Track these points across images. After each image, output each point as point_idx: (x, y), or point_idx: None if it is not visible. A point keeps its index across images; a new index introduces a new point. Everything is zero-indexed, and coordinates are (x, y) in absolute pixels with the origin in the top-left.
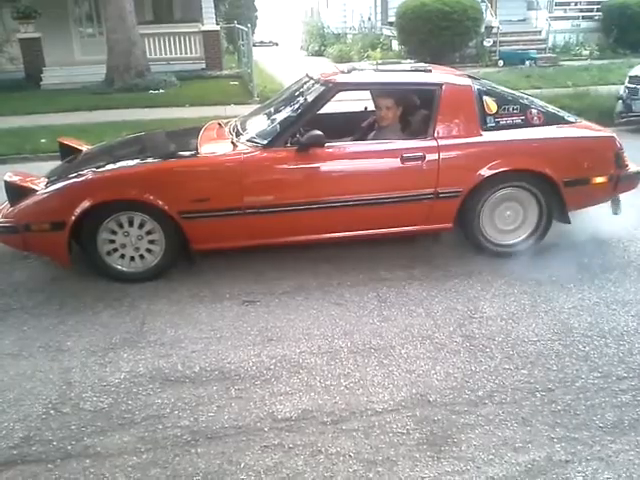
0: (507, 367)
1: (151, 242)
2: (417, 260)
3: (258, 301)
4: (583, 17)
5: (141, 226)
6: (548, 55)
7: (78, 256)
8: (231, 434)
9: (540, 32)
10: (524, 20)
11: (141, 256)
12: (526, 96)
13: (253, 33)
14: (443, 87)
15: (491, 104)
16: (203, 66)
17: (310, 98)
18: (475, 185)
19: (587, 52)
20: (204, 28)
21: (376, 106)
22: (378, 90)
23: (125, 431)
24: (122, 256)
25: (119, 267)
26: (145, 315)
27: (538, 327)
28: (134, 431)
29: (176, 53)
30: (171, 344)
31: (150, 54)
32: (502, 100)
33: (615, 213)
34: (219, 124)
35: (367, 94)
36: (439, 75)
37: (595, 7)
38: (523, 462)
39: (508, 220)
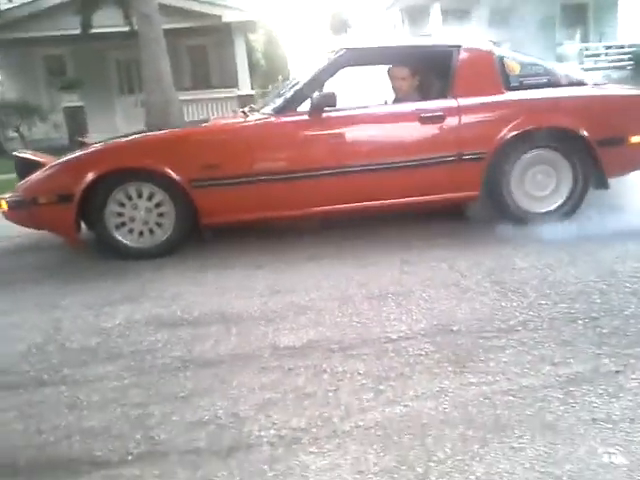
0: (543, 302)
1: (160, 215)
2: (443, 232)
3: (268, 266)
4: (614, 67)
5: (150, 198)
6: None
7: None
8: (226, 361)
9: None
10: None
11: (150, 230)
12: (551, 61)
13: None
14: (461, 48)
15: (513, 65)
16: None
17: (322, 65)
18: (499, 146)
19: None
20: (240, 93)
21: (390, 77)
22: (392, 57)
23: (110, 363)
24: (131, 231)
25: (128, 242)
26: (149, 280)
27: (578, 272)
28: (120, 362)
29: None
30: (172, 298)
31: (188, 119)
32: (525, 61)
33: None
34: (234, 111)
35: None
36: (456, 37)
37: (627, 56)
38: (564, 374)
39: (540, 186)
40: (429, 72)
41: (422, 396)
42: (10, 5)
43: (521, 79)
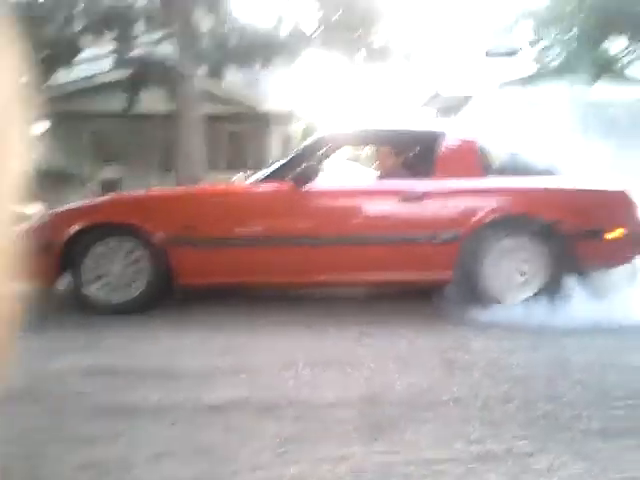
0: (485, 383)
1: (136, 272)
2: (413, 310)
3: (229, 329)
4: None
5: (128, 255)
6: None
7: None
8: (143, 411)
9: None
10: None
11: (125, 286)
12: (533, 148)
13: None
14: (445, 134)
15: (494, 154)
16: None
17: (311, 141)
18: (475, 229)
19: None
20: None
21: (377, 156)
22: (379, 139)
23: (34, 404)
24: (105, 285)
25: (100, 297)
26: (108, 336)
27: (533, 359)
28: (41, 404)
29: None
30: (123, 349)
31: None
32: (507, 147)
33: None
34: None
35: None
36: (440, 124)
37: None
38: (475, 451)
39: (515, 273)
40: (413, 153)
41: (322, 460)
42: (66, 80)
43: (502, 167)
